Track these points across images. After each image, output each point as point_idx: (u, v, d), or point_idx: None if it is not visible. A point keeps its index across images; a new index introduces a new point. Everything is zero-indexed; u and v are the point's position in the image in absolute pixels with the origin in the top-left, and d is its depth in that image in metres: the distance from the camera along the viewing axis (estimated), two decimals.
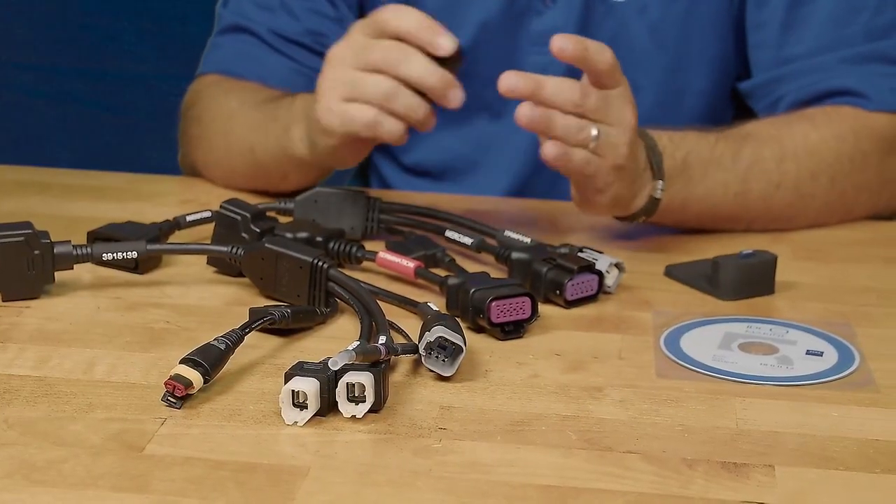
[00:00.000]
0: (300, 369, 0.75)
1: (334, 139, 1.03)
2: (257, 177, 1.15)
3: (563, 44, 0.94)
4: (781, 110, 1.18)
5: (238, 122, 1.16)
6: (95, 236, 0.99)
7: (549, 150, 0.95)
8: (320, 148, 1.05)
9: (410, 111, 0.99)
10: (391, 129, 1.00)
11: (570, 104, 0.95)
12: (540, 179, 1.26)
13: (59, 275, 0.92)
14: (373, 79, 0.99)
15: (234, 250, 0.93)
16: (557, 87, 0.95)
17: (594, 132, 0.95)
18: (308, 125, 1.06)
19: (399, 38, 0.99)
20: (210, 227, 1.01)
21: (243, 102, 1.17)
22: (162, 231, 1.01)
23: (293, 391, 0.74)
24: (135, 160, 1.60)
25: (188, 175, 1.25)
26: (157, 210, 1.10)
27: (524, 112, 0.94)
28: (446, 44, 0.99)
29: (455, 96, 1.00)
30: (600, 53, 0.95)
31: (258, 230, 0.97)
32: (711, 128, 1.11)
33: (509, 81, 0.95)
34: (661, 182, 1.02)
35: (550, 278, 0.93)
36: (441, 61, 0.99)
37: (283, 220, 1.02)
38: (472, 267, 0.97)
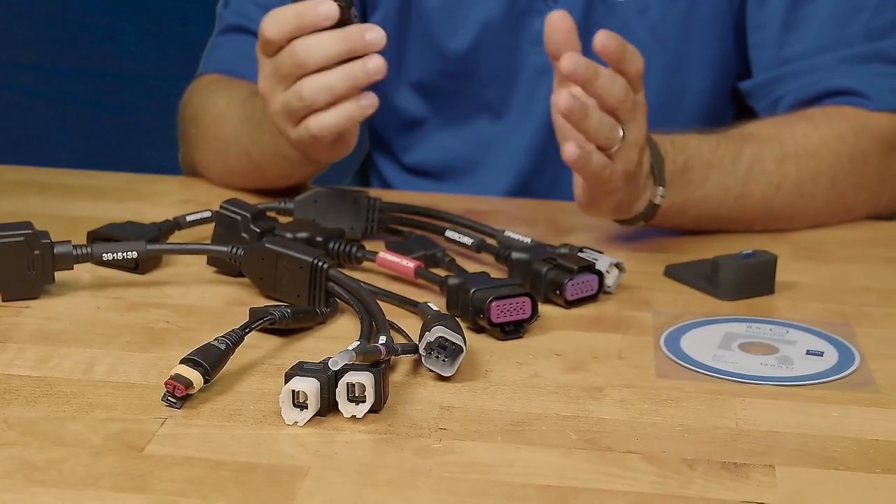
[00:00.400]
0: (300, 369, 0.75)
1: (322, 147, 1.03)
2: (256, 176, 1.15)
3: (607, 41, 0.93)
4: (782, 110, 1.18)
5: (227, 122, 1.16)
6: (95, 236, 0.99)
7: (569, 151, 0.92)
8: (312, 156, 1.06)
9: (332, 92, 0.97)
10: (333, 118, 0.98)
11: (616, 99, 0.94)
12: (540, 179, 1.26)
13: (59, 275, 0.92)
14: (291, 93, 0.98)
15: (234, 250, 0.93)
16: (611, 79, 0.94)
17: (621, 133, 0.95)
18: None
19: (289, 38, 0.98)
20: (210, 227, 1.01)
21: (229, 100, 1.17)
22: (162, 231, 1.01)
23: (293, 391, 0.74)
24: (135, 160, 1.60)
25: (188, 174, 1.25)
26: (156, 210, 1.10)
27: (565, 99, 0.92)
28: (328, 11, 0.97)
29: (373, 36, 0.98)
30: (635, 57, 0.95)
31: (258, 230, 0.97)
32: (713, 129, 1.11)
33: (573, 62, 0.92)
34: (661, 189, 1.02)
35: (550, 278, 0.93)
36: (346, 11, 0.98)
37: (283, 220, 1.02)
38: (472, 267, 0.97)
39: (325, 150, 1.04)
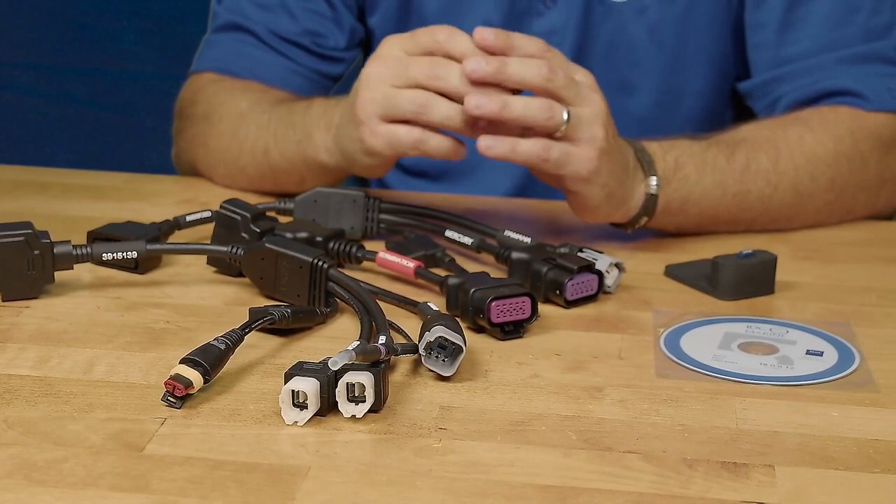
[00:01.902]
0: (300, 369, 0.75)
1: (380, 159, 1.01)
2: (269, 179, 1.15)
3: (483, 34, 0.95)
4: (780, 110, 1.18)
5: (250, 123, 1.15)
6: (95, 236, 0.99)
7: (481, 144, 0.95)
8: (360, 164, 1.04)
9: (448, 120, 0.97)
10: (438, 144, 0.98)
11: (540, 78, 0.94)
12: (539, 181, 1.25)
13: (59, 275, 0.92)
14: (410, 93, 0.97)
15: (234, 250, 0.93)
16: (523, 63, 0.95)
17: (565, 115, 0.95)
18: (338, 137, 1.05)
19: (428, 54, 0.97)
20: (210, 227, 1.01)
21: (254, 103, 1.17)
22: (162, 231, 1.01)
23: (293, 391, 0.74)
24: (134, 160, 1.60)
25: (184, 173, 1.25)
26: (156, 210, 1.10)
27: (471, 98, 0.94)
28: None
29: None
30: (530, 40, 0.96)
31: (258, 230, 0.97)
32: (703, 134, 1.11)
33: (472, 61, 0.94)
34: (654, 178, 1.02)
35: (550, 278, 0.93)
36: None
37: (283, 220, 1.02)
38: (472, 267, 0.97)
39: (383, 162, 1.02)
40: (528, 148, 0.95)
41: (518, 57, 0.95)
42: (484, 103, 0.94)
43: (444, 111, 0.97)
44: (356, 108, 0.99)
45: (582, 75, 0.97)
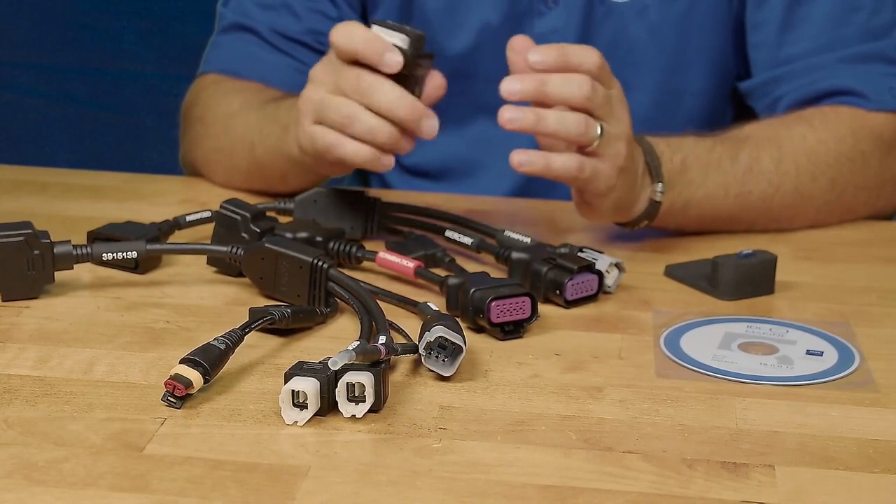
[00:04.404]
0: (300, 369, 0.75)
1: (309, 157, 1.03)
2: (256, 176, 1.15)
3: (541, 57, 0.94)
4: (781, 110, 1.18)
5: (240, 120, 1.16)
6: (95, 236, 0.99)
7: (514, 159, 0.94)
8: (306, 159, 1.05)
9: (370, 134, 0.97)
10: (353, 150, 0.97)
11: (580, 97, 0.94)
12: (540, 181, 1.25)
13: (59, 275, 0.92)
14: (336, 101, 0.98)
15: (234, 250, 0.93)
16: (563, 81, 0.94)
17: (598, 130, 0.95)
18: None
19: (353, 60, 0.97)
20: (210, 227, 1.01)
21: (246, 102, 1.17)
22: (162, 231, 1.01)
23: (293, 391, 0.74)
24: (134, 160, 1.60)
25: (189, 174, 1.25)
26: (156, 210, 1.10)
27: (505, 112, 0.93)
28: (392, 62, 0.96)
29: (429, 127, 0.98)
30: (584, 53, 0.95)
31: (258, 230, 0.97)
32: (708, 132, 1.11)
33: (507, 83, 0.94)
34: (660, 185, 1.02)
35: (550, 278, 0.93)
36: (412, 63, 0.97)
37: (283, 220, 1.02)
38: (472, 267, 0.97)
39: (312, 161, 1.04)
40: (563, 165, 0.95)
41: (559, 74, 0.94)
42: (517, 118, 0.93)
43: (367, 125, 0.97)
44: (298, 103, 1.01)
45: (616, 89, 0.97)
